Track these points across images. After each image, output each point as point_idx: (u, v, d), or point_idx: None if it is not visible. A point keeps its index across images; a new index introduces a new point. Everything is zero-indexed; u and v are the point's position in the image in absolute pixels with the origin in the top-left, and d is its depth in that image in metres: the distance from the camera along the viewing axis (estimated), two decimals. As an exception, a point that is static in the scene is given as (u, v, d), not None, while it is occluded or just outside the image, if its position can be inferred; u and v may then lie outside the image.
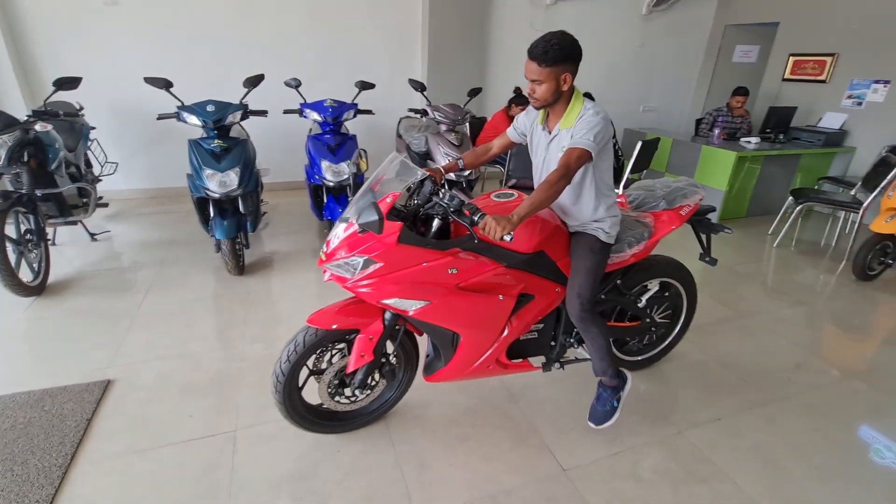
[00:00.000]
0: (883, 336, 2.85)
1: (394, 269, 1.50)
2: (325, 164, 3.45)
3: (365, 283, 1.51)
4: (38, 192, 2.87)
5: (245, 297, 2.90)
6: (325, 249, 1.58)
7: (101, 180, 3.88)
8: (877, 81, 4.71)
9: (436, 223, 1.59)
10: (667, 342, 2.34)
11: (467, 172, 3.61)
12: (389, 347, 1.77)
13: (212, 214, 3.05)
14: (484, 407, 2.07)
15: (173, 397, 2.04)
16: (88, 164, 3.79)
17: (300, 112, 3.64)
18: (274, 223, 4.19)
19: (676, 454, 1.86)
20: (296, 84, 3.64)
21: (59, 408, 1.93)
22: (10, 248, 2.66)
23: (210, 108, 3.05)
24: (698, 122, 5.39)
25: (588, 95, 4.21)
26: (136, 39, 4.18)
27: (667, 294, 2.20)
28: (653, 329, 2.23)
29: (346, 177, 3.39)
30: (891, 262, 3.47)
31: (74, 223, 3.33)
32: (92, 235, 3.64)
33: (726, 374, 2.37)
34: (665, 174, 5.10)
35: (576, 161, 1.55)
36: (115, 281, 3.06)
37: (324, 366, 1.75)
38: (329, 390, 1.75)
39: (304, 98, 3.72)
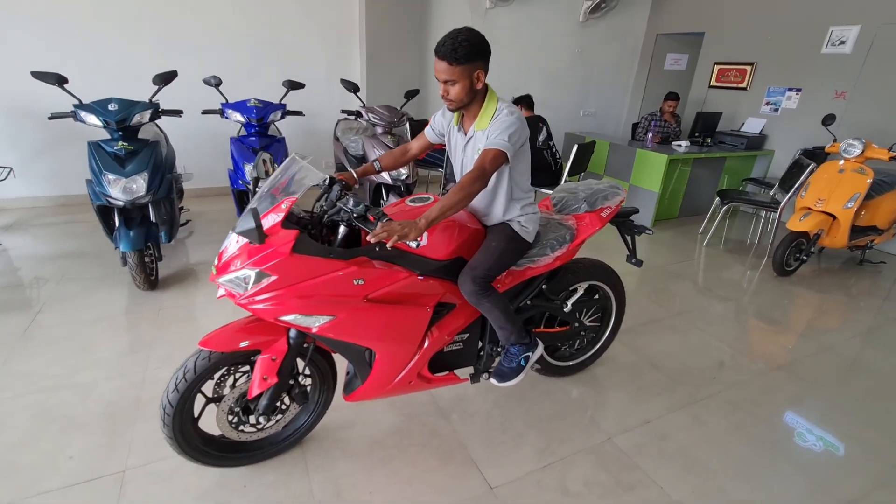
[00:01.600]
0: (801, 328, 2.99)
1: (290, 281, 1.35)
2: (248, 167, 3.22)
3: (259, 298, 1.35)
4: None
5: (155, 315, 2.63)
6: (216, 262, 1.41)
7: (-10, 187, 3.45)
8: (790, 89, 5.04)
9: (342, 230, 1.47)
10: (597, 346, 2.33)
11: (404, 176, 3.49)
12: (301, 366, 1.62)
13: (116, 224, 2.76)
14: (411, 425, 1.96)
15: (53, 436, 1.78)
16: (-27, 170, 3.35)
17: (221, 113, 3.39)
18: (198, 231, 3.89)
19: (606, 462, 1.83)
20: (216, 82, 3.39)
21: None
22: None
23: (112, 106, 2.75)
24: (634, 126, 5.57)
25: (527, 98, 4.23)
26: (33, 29, 3.76)
27: (595, 297, 2.19)
28: (582, 333, 2.20)
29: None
30: (805, 258, 3.69)
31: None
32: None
33: (656, 375, 2.38)
34: (603, 177, 5.22)
35: (490, 162, 1.49)
36: (3, 301, 2.69)
37: (225, 391, 1.57)
38: (230, 419, 1.57)
39: (225, 98, 3.47)
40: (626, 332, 2.69)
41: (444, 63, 1.47)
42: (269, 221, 1.34)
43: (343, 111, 3.99)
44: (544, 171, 4.07)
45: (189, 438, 1.53)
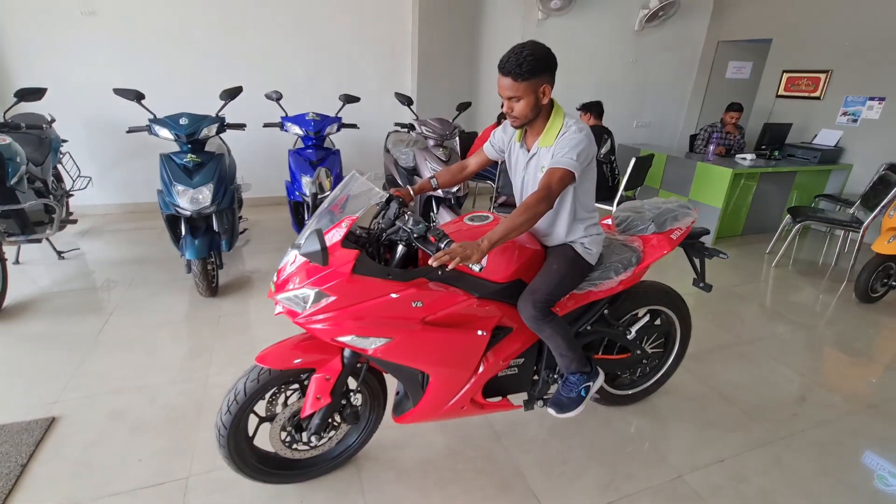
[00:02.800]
0: (888, 361, 2.70)
1: (349, 302, 1.33)
2: (305, 179, 3.30)
3: (317, 318, 1.34)
4: (-4, 209, 2.70)
5: (215, 321, 2.72)
6: (274, 279, 1.41)
7: (72, 195, 3.71)
8: (871, 98, 4.65)
9: (400, 250, 1.44)
10: (660, 374, 2.18)
11: (455, 189, 3.47)
12: (353, 385, 1.60)
13: (183, 233, 2.89)
14: (465, 448, 1.89)
15: (123, 438, 1.85)
16: (59, 179, 3.62)
17: (281, 126, 3.50)
18: (255, 240, 4.02)
19: (677, 503, 1.69)
20: (277, 97, 3.51)
21: (-7, 451, 1.74)
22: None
23: (183, 120, 2.90)
24: (693, 138, 5.31)
25: (597, 106, 4.06)
26: (113, 50, 4.05)
27: (657, 323, 2.06)
28: (644, 361, 2.07)
29: (326, 192, 3.24)
30: (894, 283, 3.35)
31: (38, 241, 3.13)
32: (59, 253, 3.46)
33: (727, 409, 2.21)
34: (659, 191, 5.00)
35: (558, 182, 1.42)
36: (78, 303, 2.87)
37: (277, 409, 1.56)
38: (283, 437, 1.57)
39: (285, 111, 3.59)
40: (691, 358, 2.52)
41: (509, 79, 1.42)
42: (328, 240, 1.32)
43: (396, 124, 4.04)
44: (600, 185, 3.93)
45: (244, 457, 1.53)
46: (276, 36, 4.50)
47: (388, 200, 1.56)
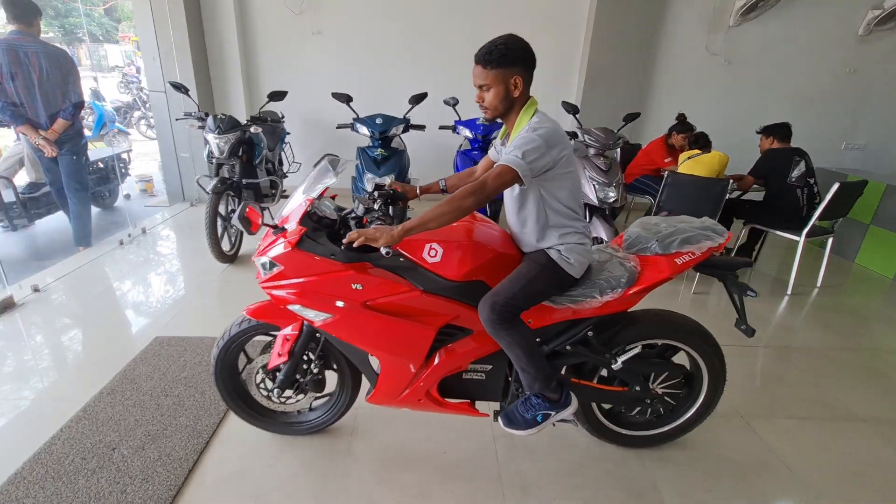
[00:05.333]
0: None
1: (294, 274, 1.48)
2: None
3: (270, 284, 1.51)
4: (244, 181, 3.56)
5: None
6: (259, 246, 1.59)
7: (287, 176, 4.65)
8: None
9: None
10: (677, 423, 1.85)
11: (611, 199, 3.42)
12: (313, 356, 1.72)
13: (366, 214, 3.42)
14: (605, 454, 1.91)
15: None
16: (280, 163, 4.57)
17: (454, 129, 3.88)
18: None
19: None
20: (454, 103, 3.90)
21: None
22: (218, 222, 3.34)
23: (378, 120, 3.44)
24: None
25: (782, 128, 3.58)
26: (329, 61, 4.95)
27: (670, 359, 1.78)
28: (647, 401, 1.78)
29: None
30: None
31: (266, 209, 4.03)
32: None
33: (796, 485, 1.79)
34: (869, 227, 4.15)
35: (494, 179, 1.36)
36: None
37: (257, 357, 1.78)
38: (257, 382, 1.77)
39: (459, 116, 3.96)
40: (761, 418, 2.09)
41: (479, 67, 1.44)
42: (294, 215, 1.49)
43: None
44: (792, 211, 3.45)
45: (228, 388, 1.78)
46: (455, 45, 4.95)
47: (376, 189, 1.67)
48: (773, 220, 3.50)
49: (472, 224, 1.65)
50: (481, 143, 3.74)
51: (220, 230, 3.37)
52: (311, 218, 1.52)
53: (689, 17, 4.89)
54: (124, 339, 2.58)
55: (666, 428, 1.86)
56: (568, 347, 1.62)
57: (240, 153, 3.55)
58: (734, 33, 4.93)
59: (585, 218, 1.57)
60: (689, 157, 3.71)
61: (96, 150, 4.95)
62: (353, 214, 1.58)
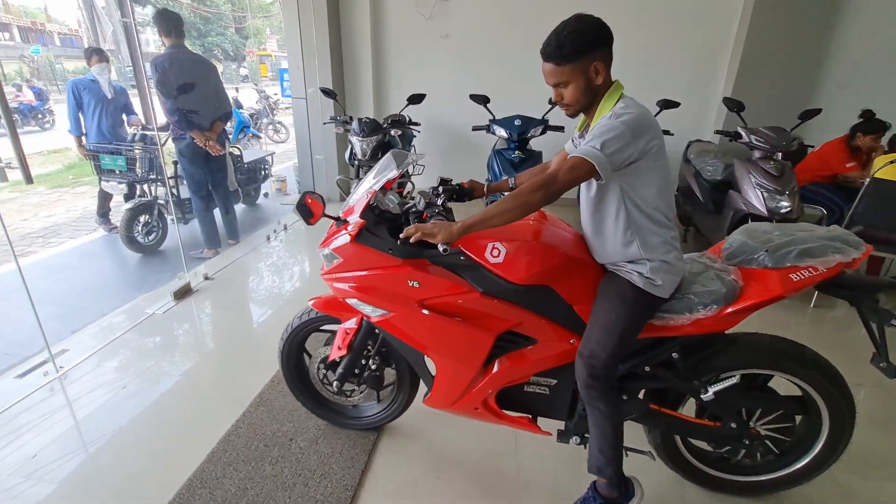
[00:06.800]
0: None
1: (352, 267, 1.45)
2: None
3: (332, 276, 1.50)
4: (380, 183, 3.66)
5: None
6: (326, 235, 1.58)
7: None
8: None
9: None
10: (791, 469, 1.53)
11: (785, 209, 2.96)
12: (372, 352, 1.70)
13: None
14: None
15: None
16: (406, 165, 4.67)
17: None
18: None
19: None
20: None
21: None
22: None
23: (517, 122, 3.34)
24: None
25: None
26: (456, 63, 4.96)
27: (778, 396, 1.49)
28: (746, 442, 1.49)
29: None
30: None
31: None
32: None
33: None
34: None
35: (566, 172, 1.19)
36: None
37: (321, 348, 1.79)
38: (317, 372, 1.80)
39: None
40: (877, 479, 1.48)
41: (550, 64, 1.27)
42: (357, 207, 1.45)
43: (717, 132, 3.69)
44: None
45: (293, 378, 1.86)
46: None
47: (441, 184, 1.58)
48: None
49: (542, 224, 1.51)
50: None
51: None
52: (372, 211, 1.49)
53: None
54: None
55: (779, 474, 1.55)
56: (647, 369, 1.43)
57: (378, 155, 3.65)
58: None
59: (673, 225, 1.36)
60: (890, 162, 3.08)
61: (248, 153, 5.47)
62: (415, 209, 1.52)
